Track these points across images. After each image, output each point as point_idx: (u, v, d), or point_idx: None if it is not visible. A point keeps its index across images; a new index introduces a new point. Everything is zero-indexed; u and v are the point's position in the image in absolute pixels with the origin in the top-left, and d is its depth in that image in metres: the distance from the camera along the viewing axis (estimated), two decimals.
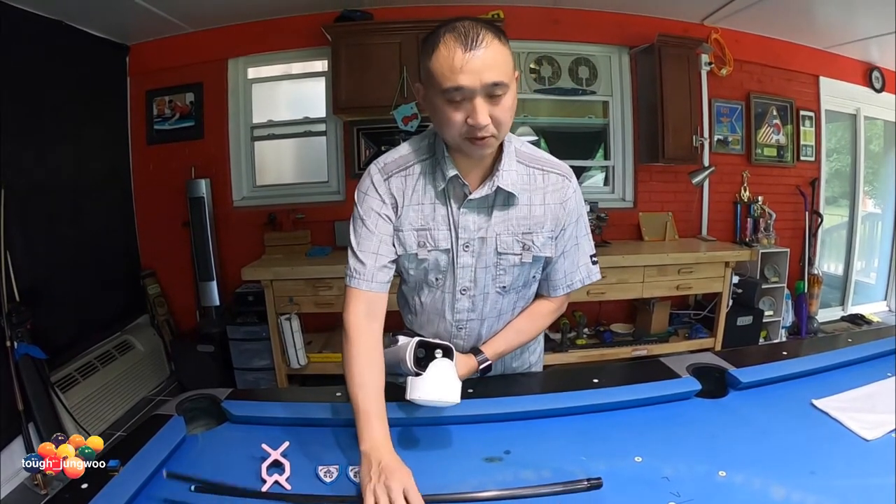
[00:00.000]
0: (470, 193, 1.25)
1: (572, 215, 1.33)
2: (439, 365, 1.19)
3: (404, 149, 1.31)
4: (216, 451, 1.18)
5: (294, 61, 4.10)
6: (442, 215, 1.27)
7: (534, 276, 1.39)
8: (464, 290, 1.33)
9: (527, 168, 1.28)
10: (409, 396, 1.16)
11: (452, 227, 1.28)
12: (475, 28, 1.07)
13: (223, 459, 1.14)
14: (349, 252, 1.29)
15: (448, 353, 1.22)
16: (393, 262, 1.30)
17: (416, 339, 1.20)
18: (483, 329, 1.40)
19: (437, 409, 1.21)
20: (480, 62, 1.05)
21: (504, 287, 1.34)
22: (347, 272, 1.28)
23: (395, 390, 1.26)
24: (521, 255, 1.30)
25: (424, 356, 1.20)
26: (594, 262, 1.43)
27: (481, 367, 1.36)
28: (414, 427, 1.23)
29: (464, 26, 1.07)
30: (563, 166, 1.33)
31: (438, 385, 1.16)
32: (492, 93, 1.08)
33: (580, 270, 1.41)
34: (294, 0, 3.64)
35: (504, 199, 1.27)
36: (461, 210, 1.26)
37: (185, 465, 1.10)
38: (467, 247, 1.28)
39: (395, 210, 1.28)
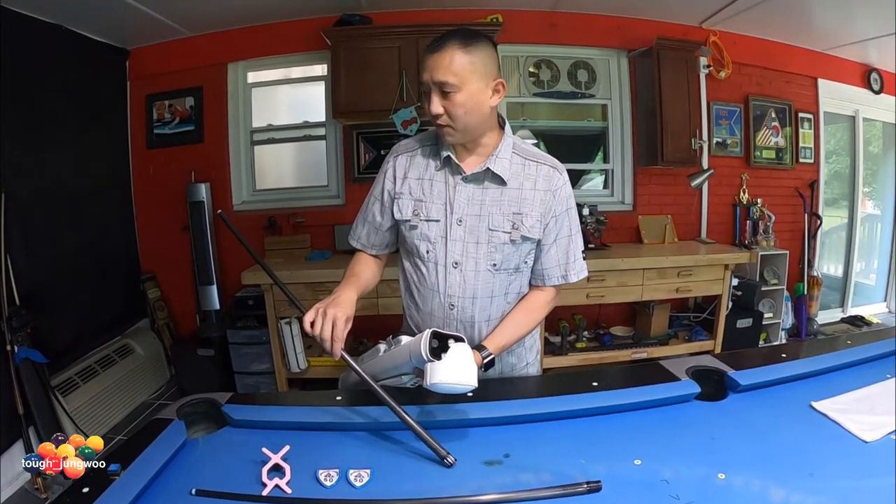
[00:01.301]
0: (464, 172, 1.42)
1: (562, 204, 1.46)
2: (459, 349, 1.20)
3: (417, 136, 1.56)
4: (216, 455, 1.18)
5: (293, 65, 4.11)
6: (438, 191, 1.45)
7: (525, 262, 1.48)
8: (455, 263, 1.44)
9: (522, 159, 1.45)
10: (428, 382, 1.17)
11: (448, 203, 1.44)
12: (445, 36, 1.31)
13: (224, 463, 1.14)
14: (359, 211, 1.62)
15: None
16: (383, 229, 1.56)
17: (431, 329, 1.22)
18: (475, 310, 1.46)
19: (441, 409, 1.22)
20: (434, 63, 1.30)
21: (495, 265, 1.43)
22: (351, 233, 1.63)
23: (398, 393, 1.26)
24: (510, 233, 1.41)
25: (438, 346, 1.21)
26: (584, 258, 1.54)
27: (485, 360, 1.38)
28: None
29: (440, 36, 1.32)
30: (556, 161, 1.49)
31: (459, 369, 1.17)
32: (442, 89, 1.31)
33: (575, 264, 1.50)
34: (293, 5, 3.65)
35: (497, 182, 1.43)
36: (457, 188, 1.43)
37: (185, 470, 1.10)
38: (461, 222, 1.43)
39: (393, 183, 1.51)
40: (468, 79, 1.30)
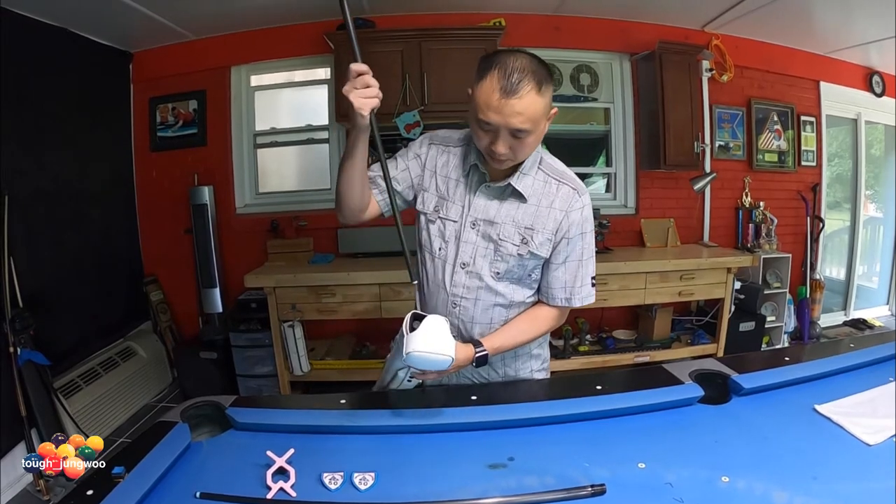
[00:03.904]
0: (488, 181, 1.41)
1: (575, 227, 1.42)
2: (432, 319, 1.24)
3: (454, 133, 1.54)
4: (221, 458, 1.18)
5: (297, 69, 4.12)
6: (460, 193, 1.46)
7: (529, 274, 1.47)
8: (463, 264, 1.44)
9: (545, 176, 1.42)
10: (405, 353, 1.20)
11: (466, 205, 1.44)
12: (520, 75, 1.20)
13: (228, 466, 1.14)
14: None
15: None
16: (403, 189, 1.52)
17: (413, 311, 1.27)
18: (476, 311, 1.46)
19: (445, 412, 1.22)
20: (511, 109, 1.21)
21: (498, 273, 1.43)
22: None
23: (396, 395, 1.27)
24: (518, 246, 1.40)
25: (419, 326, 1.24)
26: (593, 285, 1.50)
27: (477, 355, 1.38)
28: (417, 433, 1.23)
29: (512, 70, 1.20)
30: (578, 182, 1.45)
31: (432, 338, 1.20)
32: (515, 134, 1.24)
33: (582, 289, 1.47)
34: (296, 8, 3.65)
35: (517, 195, 1.41)
36: (476, 192, 1.43)
37: (189, 473, 1.10)
38: (474, 225, 1.43)
39: (422, 170, 1.51)
40: (540, 121, 1.27)
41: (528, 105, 1.21)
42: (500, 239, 1.41)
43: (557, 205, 1.40)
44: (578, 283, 1.46)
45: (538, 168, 1.42)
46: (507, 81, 1.19)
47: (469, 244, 1.43)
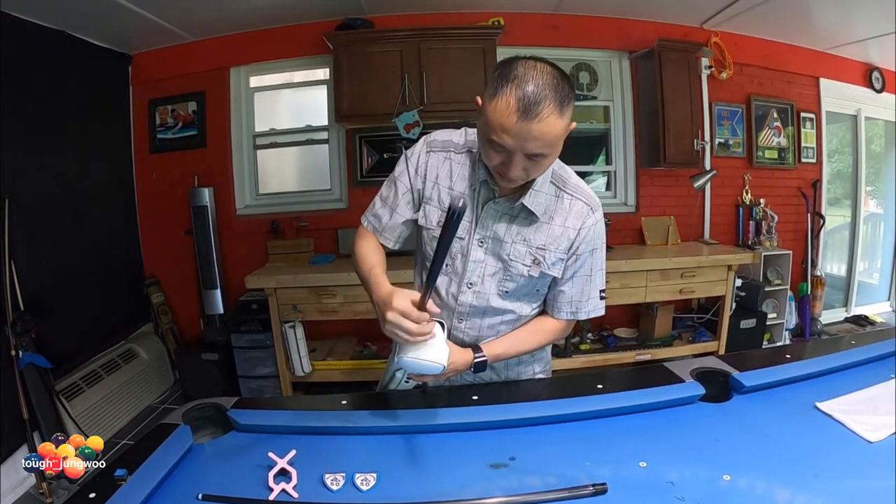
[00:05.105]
0: (497, 196, 1.32)
1: (586, 244, 1.38)
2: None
3: (455, 136, 1.40)
4: (223, 460, 1.18)
5: (296, 70, 4.12)
6: (468, 208, 1.34)
7: (537, 290, 1.42)
8: (470, 283, 1.38)
9: (557, 190, 1.35)
10: (398, 358, 1.18)
11: (474, 220, 1.34)
12: (540, 95, 1.07)
13: (230, 468, 1.14)
14: (377, 197, 1.46)
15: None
16: (406, 222, 1.42)
17: None
18: (484, 324, 1.42)
19: (446, 412, 1.22)
20: (529, 133, 1.09)
21: (507, 292, 1.38)
22: (367, 214, 1.47)
23: (397, 396, 1.27)
24: (529, 267, 1.35)
25: None
26: (602, 298, 1.48)
27: (475, 361, 1.36)
28: (419, 434, 1.23)
29: (531, 89, 1.07)
30: (592, 197, 1.38)
31: (426, 346, 1.17)
32: (531, 157, 1.14)
33: (588, 303, 1.45)
34: (295, 9, 3.65)
35: (527, 213, 1.32)
36: (484, 208, 1.33)
37: (191, 475, 1.10)
38: (482, 243, 1.35)
39: (423, 182, 1.38)
40: (559, 143, 1.16)
41: (547, 130, 1.09)
42: (510, 259, 1.34)
43: (570, 223, 1.34)
44: (585, 297, 1.44)
45: (550, 182, 1.33)
46: (525, 102, 1.06)
47: (477, 263, 1.36)
